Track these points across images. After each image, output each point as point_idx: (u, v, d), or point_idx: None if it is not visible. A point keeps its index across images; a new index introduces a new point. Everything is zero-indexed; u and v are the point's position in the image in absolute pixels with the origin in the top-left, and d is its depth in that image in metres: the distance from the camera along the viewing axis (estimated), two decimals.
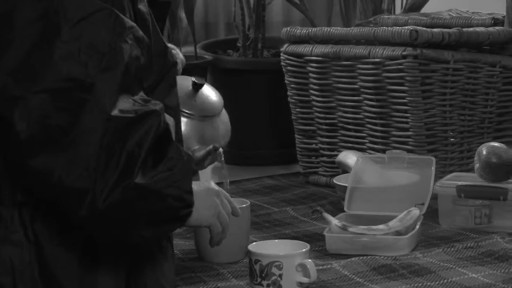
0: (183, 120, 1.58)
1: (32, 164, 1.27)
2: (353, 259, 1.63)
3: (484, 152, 1.78)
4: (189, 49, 2.34)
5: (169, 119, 1.45)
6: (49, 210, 1.33)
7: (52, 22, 1.31)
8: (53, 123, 1.27)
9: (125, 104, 1.32)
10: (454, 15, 2.26)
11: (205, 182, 1.51)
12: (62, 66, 1.28)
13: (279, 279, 1.48)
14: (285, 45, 2.13)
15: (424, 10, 2.46)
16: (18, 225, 1.31)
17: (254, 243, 1.57)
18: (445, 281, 1.55)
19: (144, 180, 1.30)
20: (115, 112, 1.30)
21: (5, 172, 1.32)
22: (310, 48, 2.08)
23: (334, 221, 1.71)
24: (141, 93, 1.39)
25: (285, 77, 2.13)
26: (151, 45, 1.45)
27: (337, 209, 1.82)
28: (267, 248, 1.53)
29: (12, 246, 1.31)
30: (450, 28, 2.01)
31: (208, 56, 2.32)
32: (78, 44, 1.31)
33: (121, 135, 1.30)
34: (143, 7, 1.48)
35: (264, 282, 1.49)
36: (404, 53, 1.92)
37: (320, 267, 1.57)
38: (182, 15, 2.31)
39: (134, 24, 1.39)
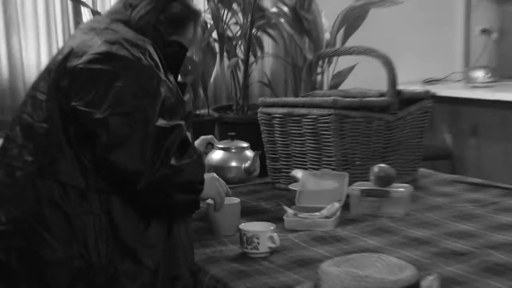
0: None
1: (110, 158, 1.26)
2: (300, 233, 1.64)
3: (376, 169, 1.81)
4: (204, 110, 2.34)
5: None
6: (117, 195, 1.31)
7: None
8: (121, 133, 1.27)
9: (162, 121, 1.32)
10: (358, 90, 2.25)
11: (210, 174, 1.52)
12: (127, 99, 1.29)
13: (257, 244, 1.47)
14: (261, 108, 2.11)
15: (341, 87, 2.48)
16: (98, 204, 1.30)
17: (243, 223, 1.56)
18: (354, 245, 1.55)
19: (175, 163, 1.31)
20: (157, 124, 1.30)
21: (93, 168, 1.30)
22: (275, 110, 2.06)
23: (290, 211, 1.73)
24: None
25: (261, 127, 2.12)
26: (176, 94, 1.43)
27: (291, 203, 1.81)
28: (251, 226, 1.52)
29: (94, 216, 1.29)
30: (355, 98, 2.03)
31: (216, 114, 2.31)
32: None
33: (161, 137, 1.30)
34: (170, 76, 1.46)
35: (249, 247, 1.48)
36: (329, 112, 1.91)
37: (282, 238, 1.55)
38: (201, 91, 2.30)
39: (166, 79, 1.40)
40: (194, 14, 1.56)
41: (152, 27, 1.46)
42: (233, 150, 1.88)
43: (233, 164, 1.85)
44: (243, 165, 1.84)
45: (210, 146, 1.95)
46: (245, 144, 1.90)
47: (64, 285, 1.29)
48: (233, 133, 1.94)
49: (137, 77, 1.34)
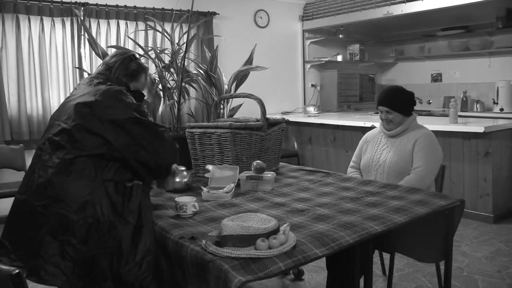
0: None
1: (139, 159, 1.32)
2: (211, 202, 1.60)
3: (255, 164, 1.80)
4: None
5: None
6: (114, 182, 1.29)
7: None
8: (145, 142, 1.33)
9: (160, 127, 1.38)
10: (244, 118, 2.17)
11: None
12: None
13: (185, 209, 1.43)
14: (187, 129, 2.03)
15: (234, 116, 2.44)
16: (102, 188, 1.26)
17: (177, 197, 1.49)
18: (242, 208, 1.50)
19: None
20: (160, 129, 1.37)
21: (100, 165, 1.27)
22: (196, 130, 1.99)
23: (205, 189, 1.68)
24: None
25: (188, 140, 2.03)
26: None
27: (206, 184, 1.73)
28: (181, 199, 1.47)
29: (99, 194, 1.27)
30: (242, 122, 2.00)
31: None
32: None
33: (163, 134, 1.34)
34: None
35: (180, 211, 1.43)
36: (227, 131, 1.85)
37: (200, 205, 1.51)
38: (152, 119, 2.19)
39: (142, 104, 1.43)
40: (144, 68, 1.55)
41: (121, 81, 1.45)
42: (177, 172, 1.75)
43: (178, 179, 1.75)
44: (183, 180, 1.77)
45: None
46: (183, 167, 1.79)
47: (83, 232, 1.24)
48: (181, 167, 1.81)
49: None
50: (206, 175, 1.88)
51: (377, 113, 2.15)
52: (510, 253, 2.58)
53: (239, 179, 1.80)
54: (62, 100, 3.26)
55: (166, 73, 2.30)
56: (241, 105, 2.64)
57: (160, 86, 2.30)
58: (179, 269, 1.19)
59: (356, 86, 4.95)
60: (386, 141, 2.10)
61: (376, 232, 1.25)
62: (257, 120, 2.11)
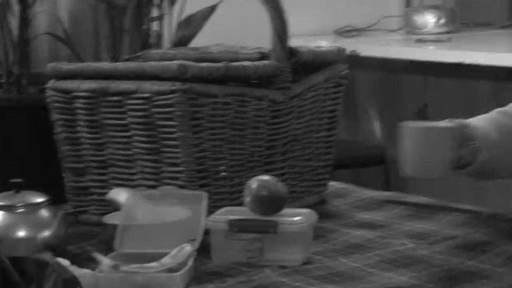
0: None
1: None
2: None
3: (254, 186, 1.82)
4: None
5: None
6: None
7: None
8: None
9: None
10: (222, 49, 2.30)
11: None
12: None
13: None
14: (51, 81, 2.11)
15: (193, 44, 2.51)
16: None
17: None
18: None
19: None
20: None
21: None
22: (78, 84, 2.07)
23: (105, 260, 1.69)
24: None
25: (52, 114, 2.11)
26: None
27: (108, 248, 1.80)
28: None
29: None
30: (218, 62, 2.04)
31: None
32: None
33: None
34: None
35: None
36: (172, 87, 1.92)
37: None
38: None
39: None
40: None
41: None
42: (19, 210, 1.86)
43: (21, 234, 1.83)
44: (38, 236, 1.82)
45: None
46: (39, 199, 1.88)
47: None
48: (18, 180, 1.89)
49: None
50: (107, 219, 1.93)
51: None
52: None
53: (207, 232, 1.83)
54: None
55: None
56: (214, 8, 2.69)
57: None
58: None
59: None
60: None
61: None
62: (262, 57, 2.16)
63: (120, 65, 2.13)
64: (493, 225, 2.06)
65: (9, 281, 1.41)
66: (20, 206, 1.85)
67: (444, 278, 1.72)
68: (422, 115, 4.24)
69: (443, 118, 4.39)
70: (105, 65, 2.16)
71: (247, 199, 1.82)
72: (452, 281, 1.71)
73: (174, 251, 1.72)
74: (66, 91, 2.08)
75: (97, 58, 2.80)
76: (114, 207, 1.93)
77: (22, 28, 2.32)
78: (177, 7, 2.49)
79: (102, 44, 2.56)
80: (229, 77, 2.01)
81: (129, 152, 2.04)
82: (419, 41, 4.42)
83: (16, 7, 2.34)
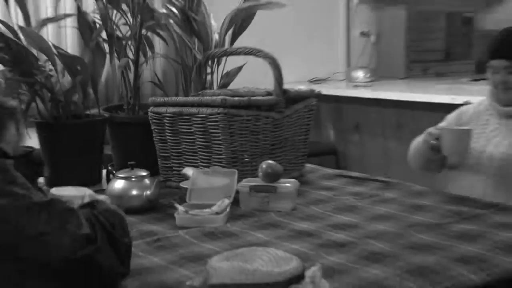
0: None
1: None
2: (191, 229, 1.63)
3: (264, 166, 1.84)
4: (95, 110, 2.27)
5: None
6: None
7: None
8: None
9: None
10: (246, 90, 2.26)
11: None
12: None
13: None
14: (151, 108, 2.08)
15: (230, 87, 2.49)
16: None
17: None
18: (243, 239, 1.56)
19: None
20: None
21: None
22: (165, 109, 2.04)
23: (181, 208, 1.72)
24: None
25: (152, 126, 2.09)
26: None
27: (182, 201, 1.79)
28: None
29: None
30: (244, 97, 2.03)
31: (107, 114, 2.24)
32: None
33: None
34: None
35: None
36: (218, 111, 1.91)
37: (172, 235, 1.56)
38: (90, 91, 2.21)
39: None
40: (11, 111, 1.36)
41: None
42: (133, 179, 1.84)
43: (134, 193, 1.82)
44: (144, 193, 1.82)
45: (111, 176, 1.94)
46: (144, 173, 1.87)
47: None
48: (132, 162, 1.89)
49: None
50: (182, 184, 1.91)
51: (477, 79, 2.14)
52: None
53: (237, 192, 1.83)
54: None
55: (114, 12, 2.28)
56: (241, 67, 2.60)
57: (103, 35, 2.27)
58: None
59: (440, 34, 4.76)
60: (499, 123, 2.11)
61: (473, 286, 1.25)
62: (268, 94, 2.12)
63: (189, 98, 2.12)
64: (400, 188, 2.02)
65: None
66: (133, 177, 1.85)
67: (373, 217, 1.71)
68: (356, 130, 4.25)
69: (369, 133, 4.34)
70: (181, 98, 2.16)
71: (260, 173, 1.84)
72: (378, 220, 1.69)
73: (218, 203, 1.74)
74: (159, 113, 2.05)
75: (177, 95, 2.76)
76: (185, 178, 1.91)
77: (135, 78, 2.28)
78: (221, 66, 2.47)
79: (180, 87, 2.51)
80: (250, 105, 1.98)
81: (194, 147, 2.02)
82: (355, 86, 4.41)
83: (132, 67, 2.29)
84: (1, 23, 2.07)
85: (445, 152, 1.93)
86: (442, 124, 2.18)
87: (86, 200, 1.43)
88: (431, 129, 2.02)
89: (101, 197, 1.54)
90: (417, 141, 2.16)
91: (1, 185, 1.15)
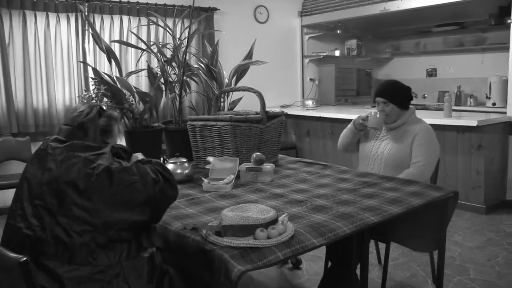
0: None
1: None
2: (212, 192, 1.57)
3: (254, 156, 1.79)
4: (156, 124, 2.19)
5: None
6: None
7: None
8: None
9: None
10: (244, 111, 2.19)
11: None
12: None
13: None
14: (188, 121, 2.03)
15: (234, 110, 2.41)
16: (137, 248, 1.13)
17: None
18: (242, 199, 1.48)
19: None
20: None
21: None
22: (197, 122, 1.99)
23: (206, 180, 1.66)
24: None
25: (189, 132, 2.03)
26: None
27: (207, 176, 1.73)
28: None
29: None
30: (242, 115, 1.99)
31: (163, 126, 2.15)
32: None
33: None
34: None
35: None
36: (228, 123, 1.88)
37: (200, 196, 1.49)
38: (154, 112, 2.16)
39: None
40: (115, 119, 1.29)
41: (100, 140, 1.23)
42: (178, 163, 1.78)
43: (179, 171, 1.75)
44: (184, 172, 1.77)
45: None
46: (184, 159, 1.80)
47: None
48: (177, 153, 1.82)
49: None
50: (207, 166, 1.88)
51: (374, 106, 2.15)
52: (500, 243, 2.62)
53: (239, 171, 1.80)
54: (67, 94, 3.52)
55: (168, 67, 2.27)
56: (241, 98, 2.60)
57: (162, 80, 2.26)
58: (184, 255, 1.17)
59: (353, 81, 4.95)
60: (386, 133, 2.09)
61: (372, 223, 1.25)
62: (257, 113, 2.11)
63: (211, 116, 2.03)
64: (333, 168, 1.94)
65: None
66: (178, 162, 1.79)
67: (317, 185, 1.66)
68: (307, 134, 4.23)
69: (315, 136, 4.30)
70: (205, 116, 2.06)
71: (252, 160, 1.81)
72: (320, 187, 1.65)
73: (228, 177, 1.71)
74: (193, 125, 2.01)
75: (203, 114, 2.66)
76: (208, 163, 1.85)
77: (180, 105, 2.20)
78: (229, 97, 2.43)
79: (205, 110, 2.45)
80: (247, 120, 1.95)
81: (213, 145, 1.97)
82: (306, 109, 4.39)
83: (177, 98, 2.22)
84: (106, 75, 2.09)
85: (370, 124, 1.97)
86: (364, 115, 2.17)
87: (141, 157, 1.31)
88: (356, 117, 2.08)
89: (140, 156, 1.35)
90: (345, 129, 2.17)
91: (121, 165, 1.14)
